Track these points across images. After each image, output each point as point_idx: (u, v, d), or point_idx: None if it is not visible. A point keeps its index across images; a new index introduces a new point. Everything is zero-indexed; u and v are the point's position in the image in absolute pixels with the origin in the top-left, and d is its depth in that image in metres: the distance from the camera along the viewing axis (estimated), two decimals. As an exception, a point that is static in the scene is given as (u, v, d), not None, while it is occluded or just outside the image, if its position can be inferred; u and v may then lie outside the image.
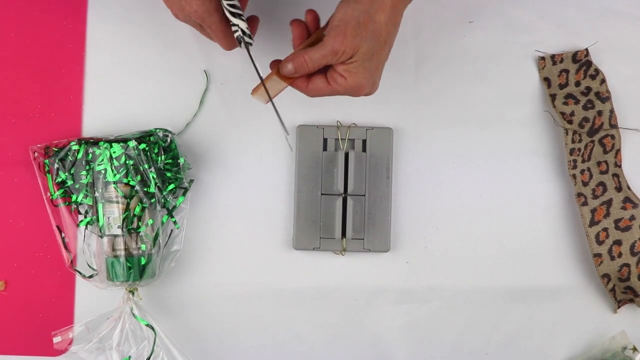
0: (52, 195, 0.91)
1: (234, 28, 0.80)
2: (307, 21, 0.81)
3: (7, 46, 0.95)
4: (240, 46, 0.81)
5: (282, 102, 0.95)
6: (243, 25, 0.80)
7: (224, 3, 0.79)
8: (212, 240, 0.94)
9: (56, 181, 0.90)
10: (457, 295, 0.94)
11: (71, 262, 0.91)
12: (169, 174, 0.90)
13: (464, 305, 0.94)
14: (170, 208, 0.91)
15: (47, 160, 0.90)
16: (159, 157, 0.90)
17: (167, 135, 0.91)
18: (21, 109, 0.94)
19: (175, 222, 0.92)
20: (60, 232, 0.91)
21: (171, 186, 0.90)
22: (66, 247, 0.91)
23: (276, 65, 0.80)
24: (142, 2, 0.96)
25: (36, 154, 0.91)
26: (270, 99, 0.81)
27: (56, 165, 0.90)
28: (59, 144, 0.90)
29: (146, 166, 0.88)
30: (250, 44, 0.81)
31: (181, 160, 0.91)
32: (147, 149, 0.89)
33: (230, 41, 0.81)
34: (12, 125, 0.94)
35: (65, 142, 0.90)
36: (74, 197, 0.90)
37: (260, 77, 0.80)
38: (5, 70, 0.95)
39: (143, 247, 0.88)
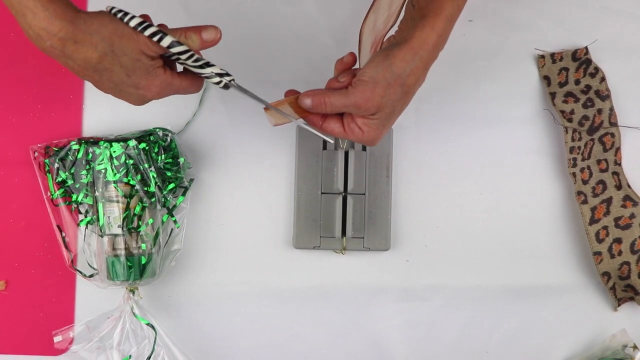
0: (52, 195, 0.91)
1: (213, 80, 0.74)
2: (347, 62, 0.78)
3: (7, 46, 0.95)
4: (228, 89, 0.76)
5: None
6: (216, 69, 0.74)
7: (189, 62, 0.73)
8: (212, 239, 0.94)
9: (56, 181, 0.90)
10: (457, 294, 0.94)
11: (71, 261, 0.92)
12: (169, 174, 0.90)
13: (464, 304, 0.94)
14: (170, 207, 0.91)
15: (47, 160, 0.90)
16: (159, 157, 0.90)
17: (167, 135, 0.91)
18: (21, 108, 0.94)
19: (175, 222, 0.92)
20: (61, 231, 0.91)
21: (171, 185, 0.91)
22: (66, 247, 0.91)
23: (291, 94, 0.77)
24: (141, 1, 0.96)
25: (36, 154, 0.91)
26: (278, 124, 0.78)
27: (56, 165, 0.90)
28: (59, 143, 0.91)
29: (146, 165, 0.88)
30: (233, 80, 0.75)
31: (181, 160, 0.91)
32: (147, 148, 0.89)
33: (199, 84, 0.76)
34: (13, 125, 0.94)
35: (66, 142, 0.90)
36: (74, 197, 0.90)
37: (267, 104, 0.77)
38: (5, 69, 0.95)
39: (143, 246, 0.89)
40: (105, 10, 0.70)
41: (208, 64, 0.74)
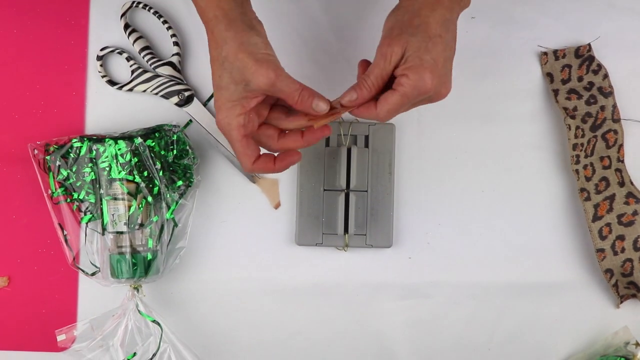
0: (53, 193, 0.91)
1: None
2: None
3: (9, 43, 0.95)
4: None
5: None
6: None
7: None
8: (215, 236, 0.94)
9: (58, 178, 0.90)
10: (459, 291, 0.94)
11: (74, 259, 0.92)
12: (178, 170, 0.90)
13: (467, 301, 0.94)
14: (174, 205, 0.91)
15: (48, 157, 0.90)
16: (169, 153, 0.90)
17: (174, 131, 0.91)
18: (24, 105, 0.94)
19: (174, 220, 0.91)
20: (62, 229, 0.91)
21: (179, 182, 0.91)
22: (68, 245, 0.91)
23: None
24: (144, -2, 0.96)
25: (36, 151, 0.91)
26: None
27: (58, 163, 0.90)
28: (59, 141, 0.90)
29: (152, 162, 0.88)
30: None
31: (191, 155, 0.91)
32: (153, 145, 0.89)
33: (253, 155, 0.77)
34: (15, 122, 0.94)
35: (67, 140, 0.90)
36: (75, 195, 0.90)
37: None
38: (7, 66, 0.95)
39: (150, 243, 0.89)
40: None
41: None
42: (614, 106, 0.94)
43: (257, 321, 0.94)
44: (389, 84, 0.75)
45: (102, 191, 0.89)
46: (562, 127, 0.95)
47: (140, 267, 0.88)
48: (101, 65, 0.93)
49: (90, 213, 0.90)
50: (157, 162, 0.89)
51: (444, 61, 0.75)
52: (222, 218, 0.94)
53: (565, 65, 0.95)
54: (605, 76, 0.95)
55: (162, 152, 0.90)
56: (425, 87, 0.73)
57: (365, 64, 0.78)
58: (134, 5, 0.94)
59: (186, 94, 0.93)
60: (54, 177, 0.90)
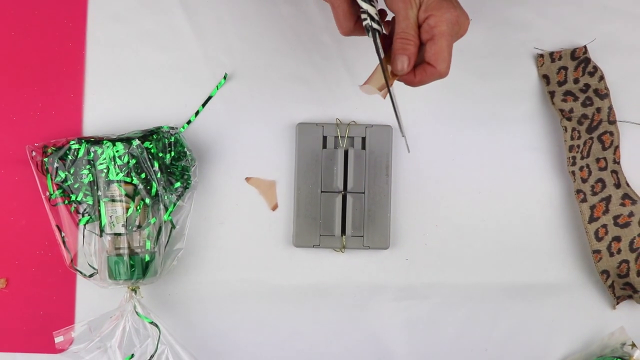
0: (50, 195, 0.91)
1: (363, 15, 0.76)
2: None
3: (7, 44, 0.95)
4: (368, 35, 0.76)
5: (281, 100, 0.95)
6: (372, 10, 0.75)
7: None
8: (212, 238, 0.94)
9: (55, 180, 0.90)
10: (456, 292, 0.94)
11: (71, 261, 0.92)
12: (176, 172, 0.91)
13: (464, 302, 0.94)
14: (172, 206, 0.91)
15: (46, 159, 0.90)
16: (167, 155, 0.90)
17: (172, 133, 0.91)
18: (22, 107, 0.94)
19: (172, 221, 0.92)
20: (60, 231, 0.91)
21: (177, 184, 0.91)
22: (66, 247, 0.91)
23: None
24: (142, 0, 0.96)
25: (34, 153, 0.91)
26: (390, 92, 0.77)
27: (56, 165, 0.90)
28: (57, 143, 0.91)
29: (150, 164, 0.89)
30: (379, 32, 0.76)
31: (189, 156, 0.91)
32: (151, 147, 0.89)
33: (348, 25, 0.77)
34: (13, 124, 0.94)
35: (64, 142, 0.90)
36: (73, 196, 0.90)
37: (384, 71, 0.76)
38: (5, 68, 0.95)
39: (148, 245, 0.89)
40: None
41: (369, 1, 0.75)
42: (610, 108, 0.94)
43: (255, 323, 0.94)
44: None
45: (99, 193, 0.89)
46: (558, 129, 0.95)
47: (138, 268, 0.88)
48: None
49: (88, 215, 0.90)
50: (155, 164, 0.89)
51: None
52: (220, 220, 0.94)
53: (562, 67, 0.95)
54: (601, 78, 0.95)
55: (160, 154, 0.90)
56: (452, 16, 0.74)
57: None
58: None
59: None
60: (51, 179, 0.91)
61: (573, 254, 0.95)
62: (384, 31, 0.78)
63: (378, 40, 0.76)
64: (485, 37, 0.96)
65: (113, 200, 0.88)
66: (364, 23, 0.76)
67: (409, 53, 0.74)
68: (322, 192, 0.93)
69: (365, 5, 0.75)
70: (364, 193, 0.93)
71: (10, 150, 0.94)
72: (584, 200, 0.93)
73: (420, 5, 0.74)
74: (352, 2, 0.76)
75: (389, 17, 0.80)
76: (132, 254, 0.88)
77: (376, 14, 0.76)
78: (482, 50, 0.96)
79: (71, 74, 0.95)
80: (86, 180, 0.89)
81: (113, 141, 0.89)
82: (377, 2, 0.77)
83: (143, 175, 0.89)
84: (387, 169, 0.94)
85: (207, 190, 0.94)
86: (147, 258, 0.89)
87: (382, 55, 0.76)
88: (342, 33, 0.78)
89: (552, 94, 0.95)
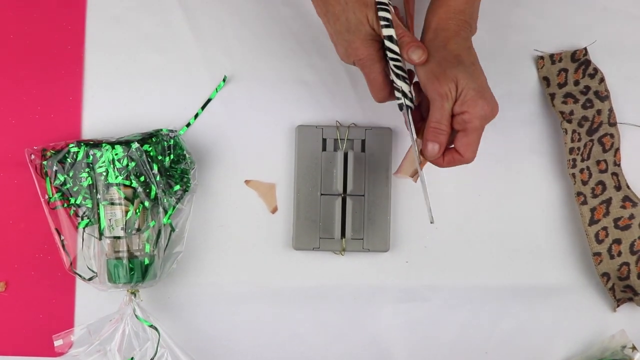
0: (50, 198, 0.91)
1: (397, 94, 0.80)
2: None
3: (6, 47, 0.95)
4: (401, 111, 0.81)
5: (281, 102, 0.95)
6: (406, 88, 0.79)
7: (391, 64, 0.78)
8: (212, 240, 0.94)
9: (55, 183, 0.90)
10: (456, 295, 0.94)
11: (71, 264, 0.91)
12: (175, 175, 0.90)
13: (463, 305, 0.94)
14: (172, 209, 0.91)
15: (45, 162, 0.90)
16: (166, 158, 0.90)
17: (171, 135, 0.91)
18: (21, 110, 0.94)
19: (171, 225, 0.91)
20: (59, 234, 0.91)
21: (176, 187, 0.91)
22: (65, 250, 0.91)
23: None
24: (141, 2, 0.96)
25: (33, 156, 0.91)
26: (421, 176, 0.82)
27: (55, 168, 0.90)
28: (56, 146, 0.90)
29: (149, 167, 0.88)
30: (411, 108, 0.80)
31: (188, 159, 0.91)
32: (150, 150, 0.89)
33: (383, 94, 0.81)
34: (12, 127, 0.94)
35: (63, 145, 0.90)
36: (72, 200, 0.90)
37: (416, 156, 0.81)
38: (4, 71, 0.95)
39: (147, 248, 0.89)
40: None
41: (404, 79, 0.79)
42: (610, 110, 0.94)
43: (255, 325, 0.94)
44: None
45: (99, 196, 0.89)
46: (558, 131, 0.95)
47: (137, 272, 0.88)
48: None
49: (88, 218, 0.90)
50: (154, 167, 0.89)
51: (486, 84, 0.79)
52: (219, 223, 0.94)
53: (562, 70, 0.95)
54: (602, 80, 0.95)
55: (159, 157, 0.90)
56: (486, 113, 0.77)
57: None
58: None
59: None
60: (50, 182, 0.90)
61: (573, 257, 0.95)
62: (415, 103, 0.81)
63: (410, 117, 0.81)
64: (485, 39, 0.95)
65: (112, 204, 0.88)
66: (398, 102, 0.80)
67: (440, 142, 0.79)
68: (321, 194, 0.93)
69: (399, 83, 0.79)
70: (363, 196, 0.93)
71: (9, 154, 0.94)
72: (585, 202, 0.93)
73: (457, 99, 0.77)
74: (386, 74, 0.80)
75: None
76: (131, 257, 0.88)
77: (410, 91, 0.80)
78: (483, 52, 0.95)
79: (70, 76, 0.95)
80: (85, 184, 0.89)
81: (112, 144, 0.89)
82: (409, 80, 0.80)
83: (142, 178, 0.89)
84: (387, 171, 0.93)
85: (206, 193, 0.94)
86: (147, 261, 0.88)
87: (415, 137, 0.80)
88: (378, 101, 0.83)
89: (552, 96, 0.95)
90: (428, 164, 0.83)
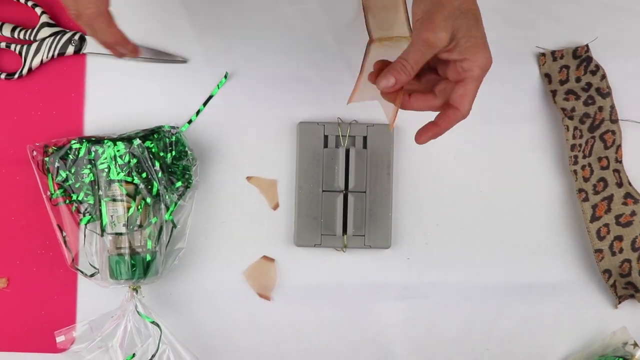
0: (51, 194, 0.91)
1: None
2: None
3: (8, 44, 0.95)
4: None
5: (283, 99, 0.95)
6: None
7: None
8: (213, 237, 0.94)
9: (57, 180, 0.90)
10: (457, 291, 0.94)
11: (72, 260, 0.92)
12: (177, 171, 0.90)
13: (465, 301, 0.94)
14: (173, 206, 0.91)
15: (47, 159, 0.90)
16: (168, 154, 0.90)
17: (173, 132, 0.91)
18: (22, 107, 0.94)
19: (173, 221, 0.92)
20: (61, 230, 0.91)
21: (178, 183, 0.91)
22: (67, 246, 0.91)
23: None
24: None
25: (35, 153, 0.91)
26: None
27: (57, 164, 0.90)
28: (57, 142, 0.90)
29: (151, 164, 0.88)
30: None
31: (190, 155, 0.91)
32: (152, 146, 0.89)
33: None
34: (14, 124, 0.94)
35: (65, 141, 0.90)
36: (74, 196, 0.90)
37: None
38: (6, 68, 0.95)
39: (149, 244, 0.89)
40: None
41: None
42: (612, 107, 0.94)
43: (256, 322, 0.94)
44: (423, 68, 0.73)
45: (101, 192, 0.89)
46: (560, 128, 0.95)
47: (139, 268, 0.88)
48: None
49: (89, 214, 0.90)
50: (156, 164, 0.89)
51: (486, 38, 0.74)
52: (221, 219, 0.94)
53: (563, 66, 0.95)
54: (603, 77, 0.95)
55: (161, 154, 0.90)
56: (487, 62, 0.73)
57: (381, 65, 0.74)
58: None
59: (76, 37, 0.93)
60: (52, 179, 0.90)
61: (575, 253, 0.95)
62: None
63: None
64: (486, 36, 0.96)
65: (114, 200, 0.88)
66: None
67: (399, 79, 0.72)
68: (323, 191, 0.93)
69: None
70: (365, 192, 0.93)
71: (11, 150, 0.94)
72: (586, 199, 0.93)
73: (454, 44, 0.71)
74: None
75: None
76: (133, 253, 0.88)
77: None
78: (484, 49, 0.96)
79: (72, 73, 0.95)
80: (87, 180, 0.89)
81: (114, 140, 0.89)
82: None
83: (144, 175, 0.89)
84: (389, 168, 0.93)
85: (208, 189, 0.94)
86: (149, 257, 0.89)
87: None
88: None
89: (553, 93, 0.95)
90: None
